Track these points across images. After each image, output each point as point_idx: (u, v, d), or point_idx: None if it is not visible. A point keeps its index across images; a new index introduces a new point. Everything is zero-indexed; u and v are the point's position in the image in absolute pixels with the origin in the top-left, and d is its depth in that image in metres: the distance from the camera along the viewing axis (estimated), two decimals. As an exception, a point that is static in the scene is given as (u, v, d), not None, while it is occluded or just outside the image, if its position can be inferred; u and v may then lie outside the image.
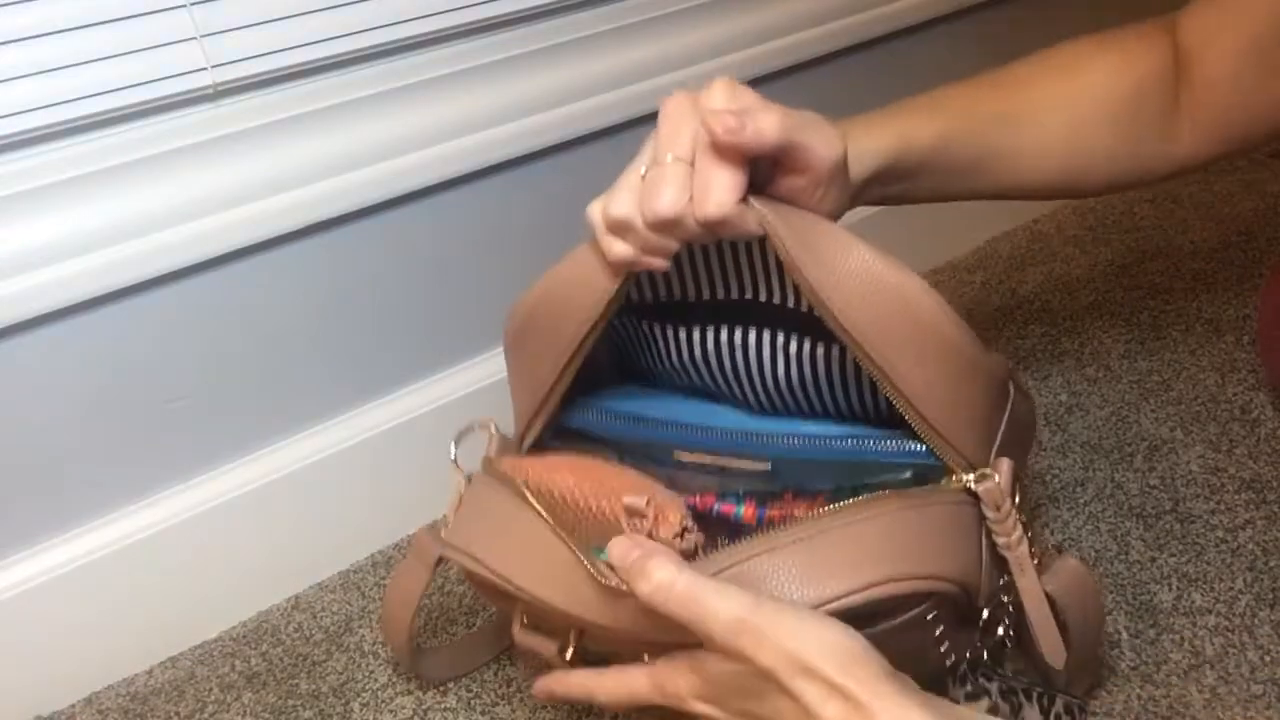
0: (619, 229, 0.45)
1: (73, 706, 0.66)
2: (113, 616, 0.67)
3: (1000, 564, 0.47)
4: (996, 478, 0.45)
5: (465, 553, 0.50)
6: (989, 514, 0.46)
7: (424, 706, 0.63)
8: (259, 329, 0.68)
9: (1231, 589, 0.61)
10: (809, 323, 0.48)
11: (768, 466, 0.49)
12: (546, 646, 0.49)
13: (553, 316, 0.49)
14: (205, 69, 0.61)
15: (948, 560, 0.44)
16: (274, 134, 0.64)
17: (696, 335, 0.52)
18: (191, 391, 0.67)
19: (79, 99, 0.58)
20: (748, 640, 0.39)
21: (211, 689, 0.66)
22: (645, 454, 0.52)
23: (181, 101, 0.62)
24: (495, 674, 0.65)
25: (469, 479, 0.54)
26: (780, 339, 0.50)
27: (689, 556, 0.44)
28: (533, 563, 0.47)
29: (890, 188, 0.55)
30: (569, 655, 0.48)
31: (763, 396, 0.52)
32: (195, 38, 0.60)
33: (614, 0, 0.76)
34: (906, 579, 0.42)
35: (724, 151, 0.42)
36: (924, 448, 0.46)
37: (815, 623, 0.39)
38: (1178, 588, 0.62)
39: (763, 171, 0.44)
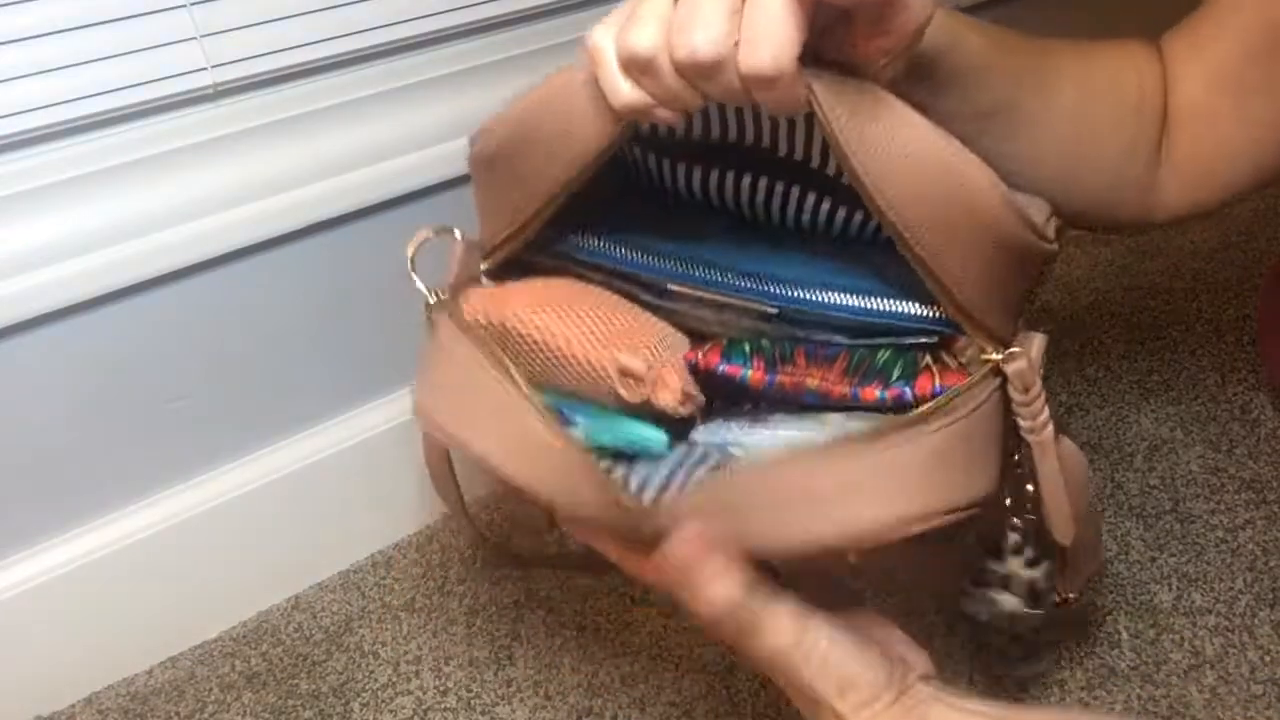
0: (636, 67, 0.36)
1: (73, 706, 0.66)
2: (113, 616, 0.67)
3: (1013, 443, 0.43)
4: (1028, 356, 0.40)
5: (430, 421, 0.45)
6: (1015, 395, 0.41)
7: (424, 706, 0.63)
8: (259, 329, 0.68)
9: (1231, 589, 0.61)
10: (838, 188, 0.42)
11: (774, 310, 0.43)
12: (534, 510, 0.46)
13: (534, 150, 0.42)
14: (205, 69, 0.61)
15: (984, 476, 0.40)
16: (274, 134, 0.64)
17: (699, 174, 0.45)
18: (191, 391, 0.67)
19: (79, 99, 0.58)
20: (784, 669, 0.40)
21: (211, 689, 0.66)
22: (635, 280, 0.45)
23: (181, 101, 0.62)
24: (495, 674, 0.65)
25: (432, 307, 0.48)
26: (799, 196, 0.44)
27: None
28: (506, 440, 0.42)
29: (917, 89, 0.47)
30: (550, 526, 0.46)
31: (774, 225, 0.46)
32: (195, 38, 0.60)
33: (614, 0, 0.76)
34: (948, 510, 0.38)
35: None
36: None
37: (856, 663, 0.40)
38: (1178, 588, 0.62)
39: (820, 26, 0.35)
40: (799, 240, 0.45)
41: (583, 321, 0.42)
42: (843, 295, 0.42)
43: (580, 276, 0.46)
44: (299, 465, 0.71)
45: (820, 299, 0.42)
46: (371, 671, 0.66)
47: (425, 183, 0.70)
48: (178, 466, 0.68)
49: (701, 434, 0.43)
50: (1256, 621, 0.59)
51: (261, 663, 0.68)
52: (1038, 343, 0.41)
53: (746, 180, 0.44)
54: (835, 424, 0.41)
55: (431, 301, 0.48)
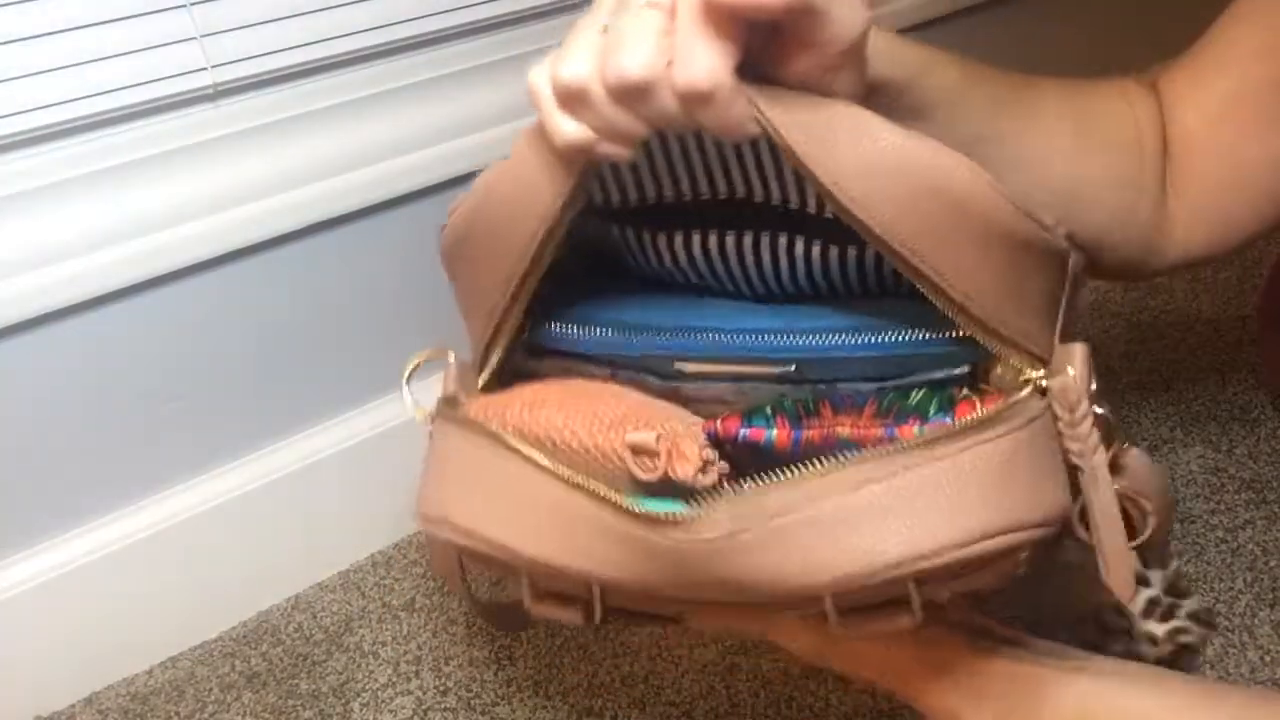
0: (571, 99, 0.35)
1: (73, 706, 0.66)
2: (113, 616, 0.67)
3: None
4: (1070, 370, 0.37)
5: (444, 522, 0.42)
6: (1061, 415, 0.37)
7: (424, 706, 0.63)
8: (259, 329, 0.68)
9: (1231, 589, 0.61)
10: (818, 225, 0.41)
11: (790, 368, 0.40)
12: (569, 616, 0.42)
13: (494, 229, 0.40)
14: (205, 69, 0.61)
15: (1056, 491, 0.36)
16: (274, 134, 0.64)
17: (680, 241, 0.43)
18: (191, 391, 0.67)
19: (79, 99, 0.58)
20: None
21: (211, 689, 0.66)
22: (641, 367, 0.43)
23: (181, 101, 0.62)
24: (495, 674, 0.65)
25: (430, 426, 0.46)
26: (784, 242, 0.41)
27: (668, 525, 0.37)
28: (531, 521, 0.39)
29: (889, 118, 0.48)
30: (598, 619, 0.41)
31: (772, 289, 0.44)
32: (195, 38, 0.60)
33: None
34: (1017, 529, 0.35)
35: (715, 11, 0.32)
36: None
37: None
38: (1178, 588, 0.62)
39: (754, 45, 0.34)
40: (799, 299, 0.43)
41: (586, 410, 0.40)
42: (859, 335, 0.40)
43: (583, 374, 0.44)
44: (299, 465, 0.71)
45: (838, 342, 0.40)
46: (371, 671, 0.66)
47: (425, 183, 0.70)
48: (178, 466, 0.68)
49: None
50: (1256, 621, 0.59)
51: (261, 663, 0.68)
52: (1079, 354, 0.37)
53: (732, 239, 0.42)
54: None
55: (418, 418, 0.46)
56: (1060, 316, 0.39)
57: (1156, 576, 0.46)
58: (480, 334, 0.43)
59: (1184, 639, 0.45)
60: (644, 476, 0.37)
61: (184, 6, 0.59)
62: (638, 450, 0.37)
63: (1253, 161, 0.51)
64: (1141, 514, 0.40)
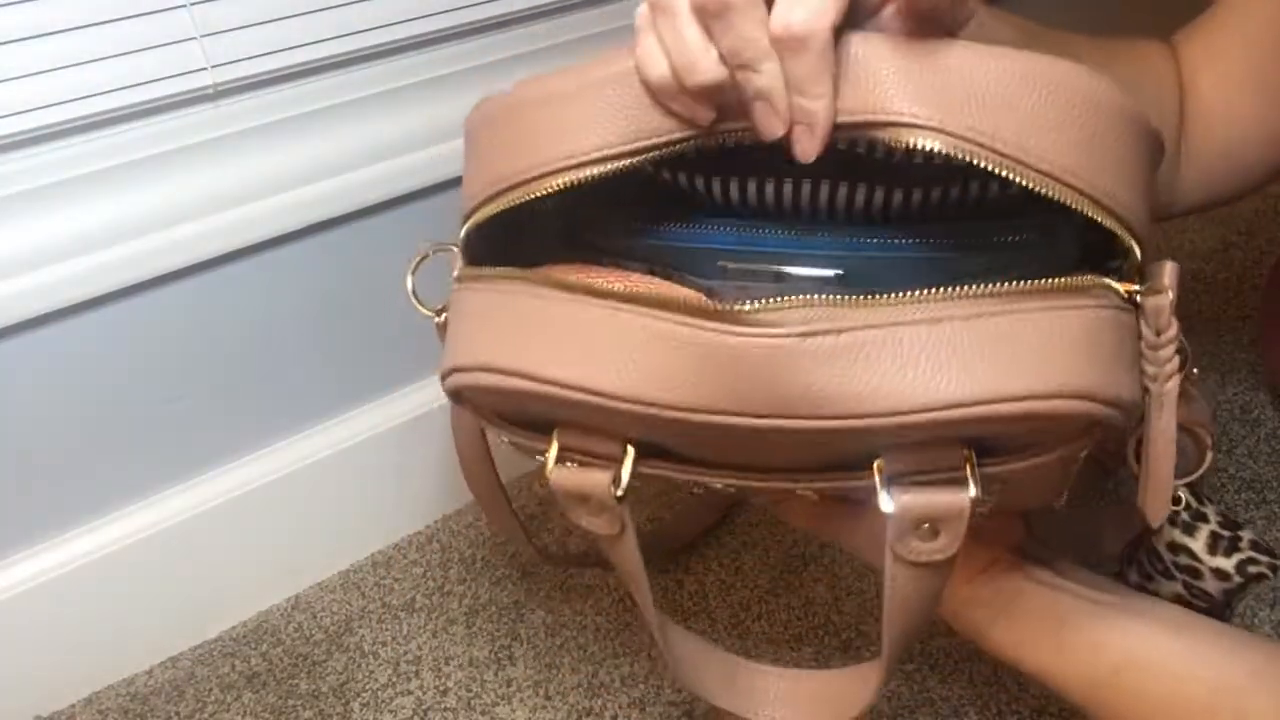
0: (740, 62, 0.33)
1: (73, 706, 0.66)
2: (113, 616, 0.67)
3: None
4: (1167, 290, 0.35)
5: (480, 368, 0.37)
6: (1146, 335, 0.36)
7: (424, 706, 0.63)
8: (259, 329, 0.68)
9: (1231, 589, 0.61)
10: (874, 168, 0.38)
11: (839, 272, 0.38)
12: (594, 479, 0.39)
13: (538, 143, 0.37)
14: (205, 69, 0.61)
15: (1132, 379, 0.35)
16: (274, 134, 0.64)
17: (735, 186, 0.40)
18: (191, 391, 0.67)
19: (79, 99, 0.58)
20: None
21: (211, 689, 0.66)
22: (682, 265, 0.41)
23: (181, 101, 0.62)
24: (495, 674, 0.65)
25: (443, 318, 0.43)
26: (844, 191, 0.39)
27: (727, 318, 0.33)
28: (575, 347, 0.35)
29: None
30: (622, 487, 0.38)
31: (825, 221, 0.41)
32: (195, 38, 0.60)
33: (611, 1, 0.76)
34: (1093, 398, 0.33)
35: None
36: (1030, 237, 0.37)
37: None
38: (1178, 588, 0.62)
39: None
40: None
41: (619, 280, 0.38)
42: (907, 237, 0.37)
43: (609, 265, 0.42)
44: (299, 465, 0.71)
45: (886, 242, 0.38)
46: (371, 671, 0.66)
47: (425, 183, 0.70)
48: (178, 466, 0.68)
49: None
50: (1257, 621, 0.59)
51: (261, 663, 0.68)
52: (1169, 271, 0.36)
53: (790, 186, 0.39)
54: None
55: (438, 322, 0.44)
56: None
57: (1211, 510, 0.45)
58: (498, 177, 0.39)
59: (1254, 569, 0.45)
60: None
61: (184, 6, 0.59)
62: None
63: (1272, 120, 0.52)
64: (1199, 447, 0.39)
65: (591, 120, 0.35)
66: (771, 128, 0.33)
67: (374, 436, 0.74)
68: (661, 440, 0.38)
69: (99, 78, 0.58)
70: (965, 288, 0.32)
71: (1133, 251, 0.35)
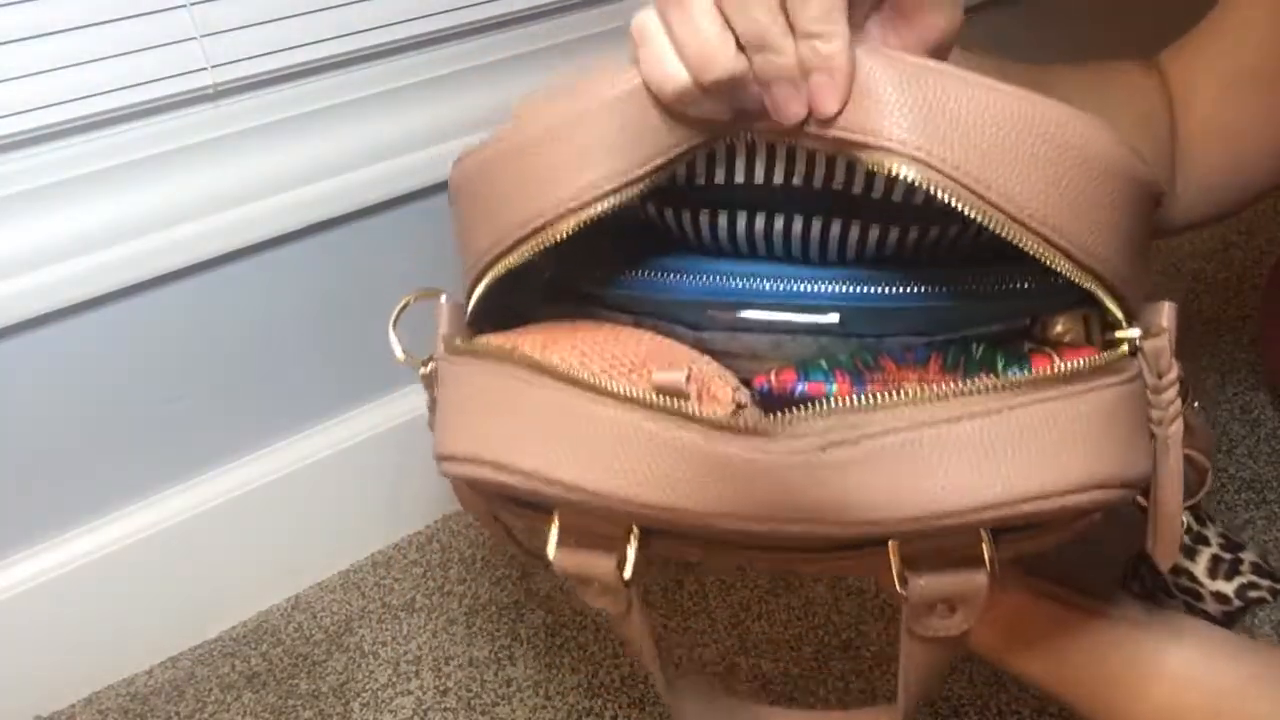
0: (756, 46, 0.31)
1: (73, 706, 0.66)
2: (113, 616, 0.67)
3: None
4: (1165, 332, 0.35)
5: (473, 460, 0.36)
6: (1147, 377, 0.35)
7: (424, 706, 0.63)
8: (259, 329, 0.68)
9: (1231, 589, 0.61)
10: (869, 206, 0.37)
11: (834, 318, 0.37)
12: (598, 564, 0.37)
13: (538, 173, 0.35)
14: (205, 69, 0.61)
15: (1140, 456, 0.34)
16: (274, 134, 0.64)
17: (724, 222, 0.39)
18: (191, 391, 0.67)
19: (79, 99, 0.58)
20: None
21: (211, 689, 0.66)
22: (668, 315, 0.39)
23: (181, 101, 0.62)
24: (495, 674, 0.65)
25: (429, 369, 0.41)
26: (836, 230, 0.37)
27: (749, 433, 0.32)
28: (572, 445, 0.34)
29: None
30: (628, 571, 0.37)
31: (816, 260, 0.39)
32: (195, 38, 0.60)
33: (615, 1, 0.76)
34: (1112, 485, 0.32)
35: None
36: (1033, 284, 0.36)
37: None
38: (1178, 588, 0.62)
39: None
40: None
41: (604, 351, 0.36)
42: (910, 285, 0.36)
43: (592, 318, 0.40)
44: (299, 465, 0.71)
45: (887, 291, 0.36)
46: (371, 671, 0.66)
47: (425, 183, 0.70)
48: (178, 466, 0.68)
49: None
50: (1256, 622, 0.59)
51: (261, 663, 0.68)
52: (1168, 313, 0.35)
53: (780, 222, 0.38)
54: None
55: (424, 372, 0.42)
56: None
57: (1212, 532, 0.45)
58: (484, 251, 0.37)
59: (1254, 594, 0.44)
60: None
61: (184, 6, 0.59)
62: (664, 392, 0.33)
63: (1260, 143, 0.51)
64: (1199, 473, 0.38)
65: (598, 149, 0.34)
66: (793, 110, 0.32)
67: (374, 436, 0.74)
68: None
69: (99, 78, 0.58)
70: (983, 380, 0.32)
71: (1115, 310, 0.35)
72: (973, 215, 0.31)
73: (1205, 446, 0.39)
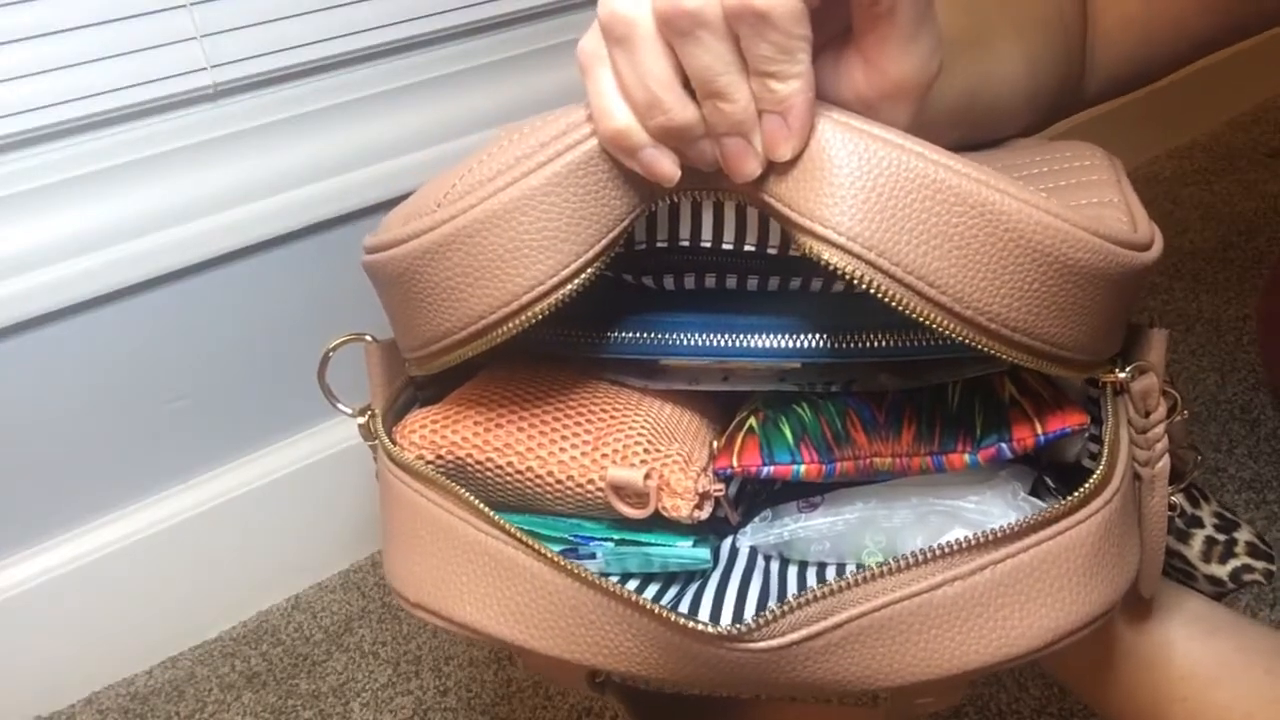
0: (711, 99, 0.28)
1: (73, 706, 0.66)
2: (113, 616, 0.67)
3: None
4: (1153, 370, 0.33)
5: (422, 609, 0.35)
6: (1134, 417, 0.33)
7: (424, 706, 0.63)
8: (259, 329, 0.68)
9: (1231, 589, 0.61)
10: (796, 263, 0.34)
11: (796, 365, 0.35)
12: (569, 672, 0.37)
13: (485, 263, 0.31)
14: (205, 69, 0.61)
15: (1130, 559, 0.33)
16: (274, 134, 0.64)
17: (669, 282, 0.37)
18: (191, 391, 0.67)
19: (79, 99, 0.58)
20: None
21: (211, 689, 0.66)
22: (622, 370, 0.38)
23: (181, 101, 0.62)
24: (495, 674, 0.65)
25: (374, 450, 0.39)
26: (775, 282, 0.36)
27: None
28: (532, 612, 0.33)
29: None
30: (600, 677, 0.37)
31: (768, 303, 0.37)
32: (195, 38, 0.60)
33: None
34: (1104, 611, 0.32)
35: None
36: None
37: None
38: (1178, 588, 0.62)
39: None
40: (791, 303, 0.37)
41: (553, 426, 0.34)
42: (877, 337, 0.33)
43: (534, 370, 0.38)
44: (299, 465, 0.71)
45: (853, 347, 0.33)
46: (371, 671, 0.66)
47: (425, 183, 0.70)
48: (178, 466, 0.68)
49: (749, 537, 0.36)
50: (1257, 621, 0.59)
51: (261, 663, 0.68)
52: (1157, 345, 0.33)
53: (713, 280, 0.36)
54: (915, 499, 0.34)
55: (360, 422, 0.40)
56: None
57: (1206, 512, 0.45)
58: (429, 336, 0.35)
59: (1248, 577, 0.44)
60: (634, 515, 0.33)
61: (184, 6, 0.59)
62: (620, 491, 0.32)
63: (1167, 11, 0.48)
64: (1182, 462, 0.37)
65: (558, 227, 0.30)
66: (746, 168, 0.29)
67: (374, 436, 0.74)
68: None
69: (99, 78, 0.58)
70: (963, 541, 0.30)
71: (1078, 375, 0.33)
72: (917, 317, 0.29)
73: (1181, 439, 0.38)
